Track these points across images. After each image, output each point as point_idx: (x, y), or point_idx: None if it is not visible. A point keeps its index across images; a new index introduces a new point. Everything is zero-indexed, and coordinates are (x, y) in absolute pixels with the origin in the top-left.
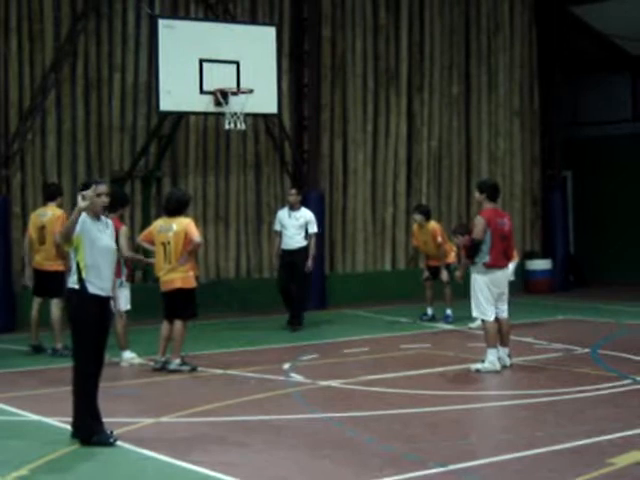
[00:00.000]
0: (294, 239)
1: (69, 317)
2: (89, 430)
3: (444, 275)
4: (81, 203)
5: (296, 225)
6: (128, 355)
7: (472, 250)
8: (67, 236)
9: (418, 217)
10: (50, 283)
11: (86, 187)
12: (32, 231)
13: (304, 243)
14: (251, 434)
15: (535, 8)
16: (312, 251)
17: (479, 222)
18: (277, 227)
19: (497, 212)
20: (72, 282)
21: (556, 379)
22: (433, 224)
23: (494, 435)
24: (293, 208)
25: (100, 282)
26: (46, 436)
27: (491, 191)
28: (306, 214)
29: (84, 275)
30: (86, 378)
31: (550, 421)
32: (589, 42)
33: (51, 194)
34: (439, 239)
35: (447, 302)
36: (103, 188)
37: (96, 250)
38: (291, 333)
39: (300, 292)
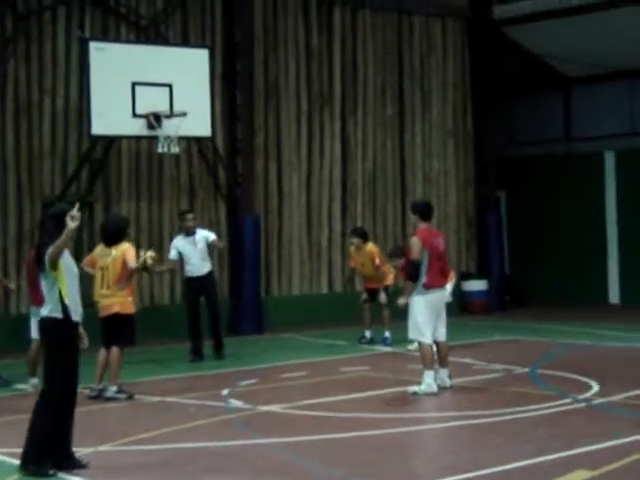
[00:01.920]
0: (201, 264)
1: (47, 347)
2: (47, 464)
3: (382, 297)
4: (71, 224)
5: (199, 250)
6: (36, 381)
7: (412, 271)
8: (55, 260)
9: (355, 240)
10: None
11: (47, 206)
12: None
13: (211, 267)
14: (191, 462)
15: (468, 29)
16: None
17: (415, 243)
18: (174, 255)
19: (431, 232)
20: (49, 311)
21: (497, 399)
22: (371, 246)
23: (438, 457)
24: (190, 233)
25: (78, 308)
26: None
27: (423, 210)
28: (202, 234)
29: (67, 302)
30: (64, 408)
31: (493, 442)
32: (522, 62)
33: None
34: (377, 261)
35: (385, 324)
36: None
37: (71, 276)
38: (219, 360)
39: (218, 317)
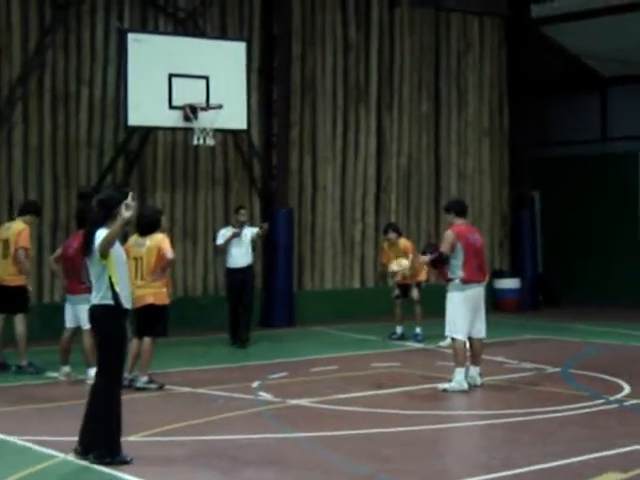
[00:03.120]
0: (243, 257)
1: (100, 334)
2: (114, 449)
3: (414, 293)
4: (125, 213)
5: (244, 243)
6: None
7: (438, 262)
8: (107, 248)
9: (393, 235)
10: (14, 299)
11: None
12: None
13: (252, 261)
14: (218, 454)
15: (505, 27)
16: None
17: (448, 236)
18: (221, 242)
19: (468, 228)
20: (100, 298)
21: (528, 399)
22: (404, 241)
23: (468, 455)
24: (237, 226)
25: (128, 296)
26: (8, 457)
27: (458, 207)
28: (249, 229)
29: (117, 290)
30: (118, 395)
31: (524, 441)
32: (559, 62)
33: (22, 209)
34: (410, 256)
35: (417, 320)
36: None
37: (121, 264)
38: (241, 349)
39: (250, 309)
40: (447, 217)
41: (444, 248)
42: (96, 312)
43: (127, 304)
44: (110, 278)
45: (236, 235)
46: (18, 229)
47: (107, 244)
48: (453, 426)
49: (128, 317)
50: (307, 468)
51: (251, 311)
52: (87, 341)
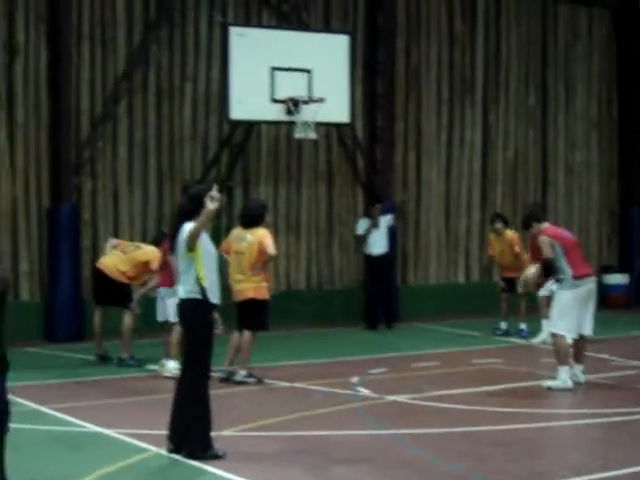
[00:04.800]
0: (380, 245)
1: (188, 329)
2: (205, 444)
3: (521, 285)
4: (210, 205)
5: (380, 233)
6: (173, 366)
7: (547, 270)
8: (194, 241)
9: (500, 225)
10: (120, 292)
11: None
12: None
13: (387, 249)
14: (309, 450)
15: (614, 19)
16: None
17: (544, 241)
18: (361, 231)
19: (556, 226)
20: (188, 292)
21: (632, 398)
22: (511, 233)
23: (567, 456)
24: (373, 219)
25: (216, 290)
26: (103, 449)
27: (535, 215)
28: (384, 218)
29: (205, 284)
30: (205, 389)
31: (625, 442)
32: None
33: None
34: (517, 249)
35: (522, 316)
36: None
37: (209, 259)
38: (390, 330)
39: (390, 294)
40: (531, 231)
41: (547, 253)
42: (184, 306)
43: (215, 299)
44: (197, 272)
45: (374, 226)
46: (154, 255)
47: (193, 237)
48: (552, 425)
49: (216, 310)
50: (399, 466)
51: (391, 295)
52: (173, 334)
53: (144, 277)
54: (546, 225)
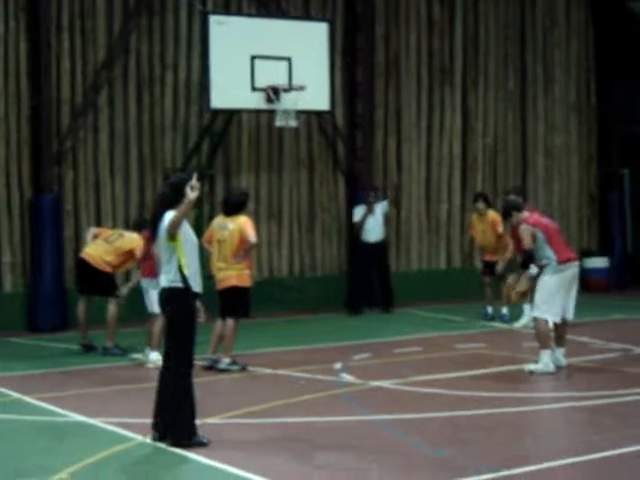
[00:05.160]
0: (376, 232)
1: (170, 318)
2: (190, 432)
3: (500, 267)
4: (190, 194)
5: (376, 219)
6: (156, 357)
7: (528, 261)
8: (175, 230)
9: (481, 205)
10: (105, 282)
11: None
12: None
13: (384, 236)
14: (294, 437)
15: (592, 4)
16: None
17: (525, 230)
18: (358, 218)
19: (536, 213)
20: (170, 281)
21: (613, 380)
22: (493, 213)
23: (549, 439)
24: (369, 205)
25: (198, 279)
26: (88, 438)
27: (516, 205)
28: (380, 205)
29: (186, 273)
30: (188, 378)
31: (608, 424)
32: None
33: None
34: (499, 229)
35: (504, 300)
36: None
37: (191, 247)
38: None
39: (388, 278)
40: (512, 220)
41: (528, 244)
42: (166, 295)
43: (197, 287)
44: (179, 261)
45: (370, 211)
46: (138, 243)
47: (174, 225)
48: (535, 409)
49: (197, 299)
50: (384, 452)
51: (389, 280)
52: (156, 325)
53: (128, 265)
54: (526, 214)
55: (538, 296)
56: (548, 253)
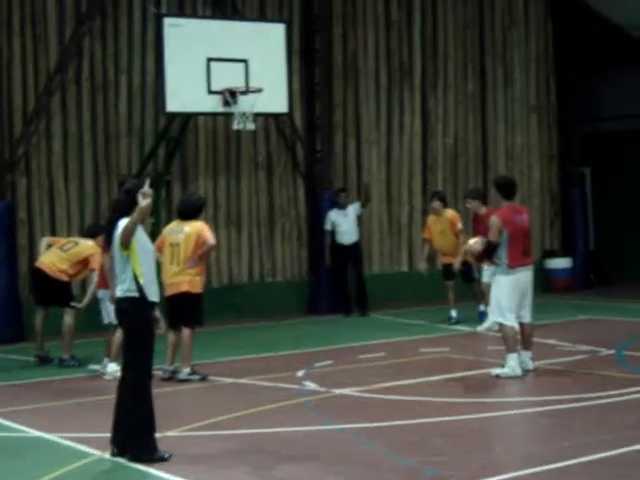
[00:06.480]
0: (350, 234)
1: (126, 328)
2: (150, 446)
3: (456, 264)
4: (142, 202)
5: (349, 221)
6: (114, 368)
7: (488, 252)
8: (128, 238)
9: (437, 204)
10: (61, 291)
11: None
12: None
13: (358, 238)
14: (257, 449)
15: (551, 2)
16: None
17: (494, 223)
18: (328, 227)
19: (514, 208)
20: (125, 291)
21: (581, 383)
22: (451, 211)
23: (519, 446)
24: (342, 207)
25: (154, 287)
26: (44, 455)
27: (506, 190)
28: (352, 207)
29: (142, 282)
30: (147, 390)
31: (577, 429)
32: (607, 35)
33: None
34: (459, 226)
35: (450, 302)
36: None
37: (146, 255)
38: (362, 317)
39: (363, 281)
40: (492, 191)
41: (493, 237)
42: (121, 305)
43: (154, 296)
44: (134, 270)
45: (342, 208)
46: (94, 250)
47: (127, 234)
48: (504, 414)
49: (155, 308)
50: (349, 462)
51: (364, 282)
52: (116, 335)
53: (84, 274)
54: (504, 204)
55: (493, 298)
56: (502, 253)
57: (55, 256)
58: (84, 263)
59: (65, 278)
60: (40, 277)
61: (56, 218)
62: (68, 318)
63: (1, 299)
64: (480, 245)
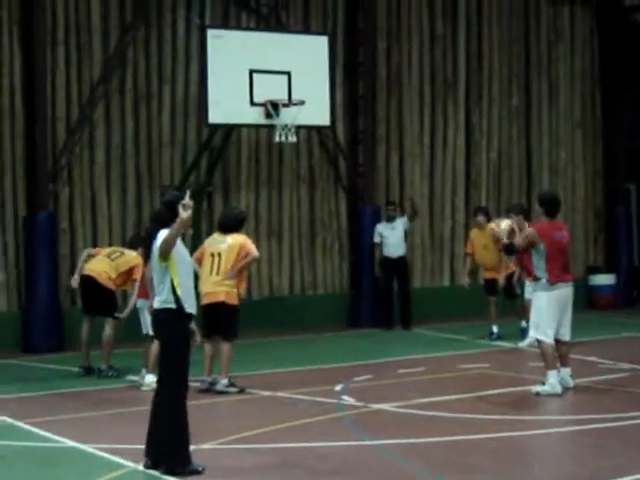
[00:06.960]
0: (397, 247)
1: (163, 339)
2: (184, 459)
3: (501, 281)
4: (183, 213)
5: (397, 235)
6: (152, 379)
7: (507, 250)
8: (167, 250)
9: (481, 218)
10: (107, 300)
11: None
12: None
13: (405, 251)
14: (293, 464)
15: (597, 16)
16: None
17: (529, 232)
18: (377, 239)
19: (554, 225)
20: (162, 302)
21: (622, 402)
22: (494, 226)
23: (557, 465)
24: (390, 220)
25: (191, 299)
26: (78, 465)
27: (549, 206)
28: (401, 220)
29: (179, 293)
30: (182, 402)
31: (615, 449)
32: None
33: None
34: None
35: (492, 318)
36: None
37: (185, 267)
38: (405, 331)
39: (408, 295)
40: (536, 207)
41: (518, 241)
42: (158, 316)
43: (191, 308)
44: (172, 281)
45: (389, 221)
46: (138, 261)
47: (167, 245)
48: (542, 432)
49: (191, 320)
50: (385, 479)
51: (409, 296)
52: (152, 347)
53: (128, 285)
54: (544, 220)
55: (532, 315)
56: (542, 269)
57: (105, 264)
58: (129, 273)
59: (112, 286)
60: (89, 285)
61: (98, 229)
62: (108, 328)
63: (42, 308)
64: (507, 226)
